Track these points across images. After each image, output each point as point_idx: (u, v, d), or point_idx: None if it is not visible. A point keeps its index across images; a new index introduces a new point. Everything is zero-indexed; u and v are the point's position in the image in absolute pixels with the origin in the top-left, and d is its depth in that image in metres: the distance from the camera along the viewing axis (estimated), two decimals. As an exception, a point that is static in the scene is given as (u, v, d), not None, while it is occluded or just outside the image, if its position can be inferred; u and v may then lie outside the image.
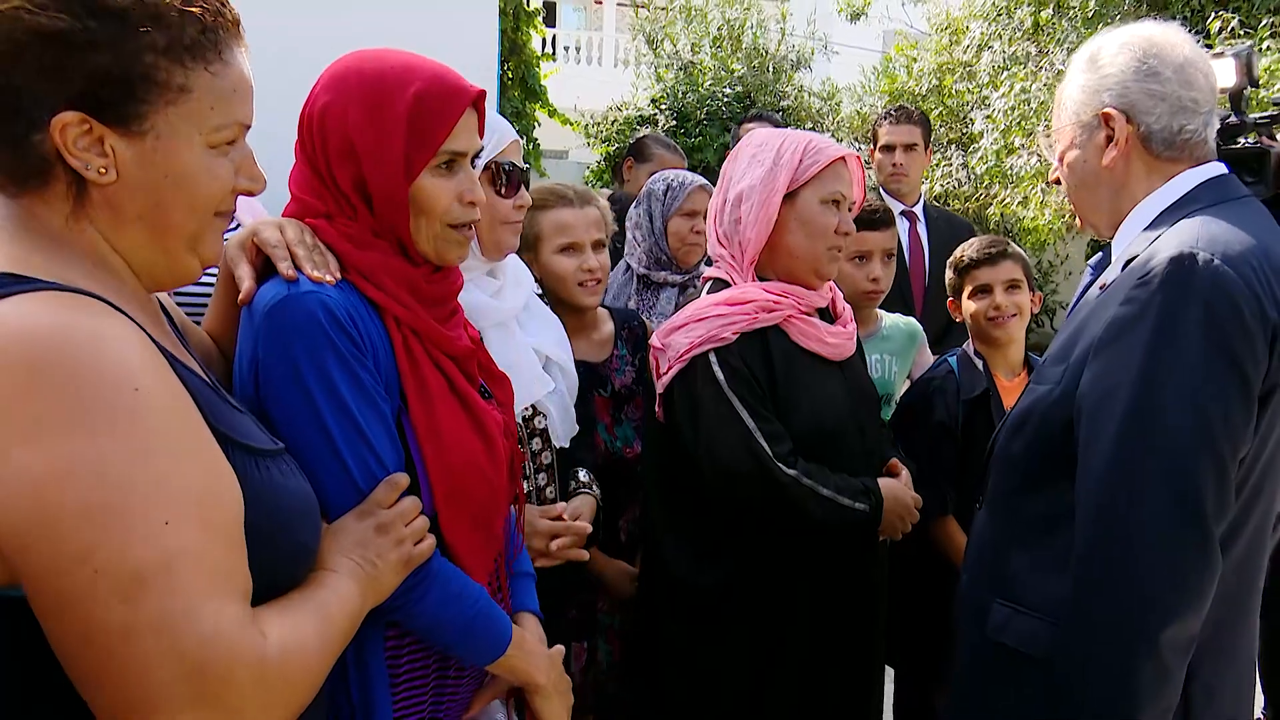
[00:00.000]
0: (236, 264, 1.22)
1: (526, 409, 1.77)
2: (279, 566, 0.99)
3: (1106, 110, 1.48)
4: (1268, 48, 6.22)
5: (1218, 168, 1.49)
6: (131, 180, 0.94)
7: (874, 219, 2.42)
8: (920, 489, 2.26)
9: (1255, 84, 2.33)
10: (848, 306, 2.11)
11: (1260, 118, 2.30)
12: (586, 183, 11.19)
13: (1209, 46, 7.18)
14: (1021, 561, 1.47)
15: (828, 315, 2.05)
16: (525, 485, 1.76)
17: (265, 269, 1.22)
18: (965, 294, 2.40)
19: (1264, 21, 6.67)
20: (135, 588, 0.80)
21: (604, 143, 10.68)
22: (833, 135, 11.74)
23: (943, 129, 10.76)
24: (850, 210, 1.97)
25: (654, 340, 1.93)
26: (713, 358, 1.83)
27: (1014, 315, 2.33)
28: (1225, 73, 2.32)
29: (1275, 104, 2.41)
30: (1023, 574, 1.46)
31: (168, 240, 0.99)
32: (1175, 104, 1.46)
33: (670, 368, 1.87)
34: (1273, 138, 2.27)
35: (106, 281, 0.95)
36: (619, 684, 2.09)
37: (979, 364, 2.32)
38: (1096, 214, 1.58)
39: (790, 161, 1.92)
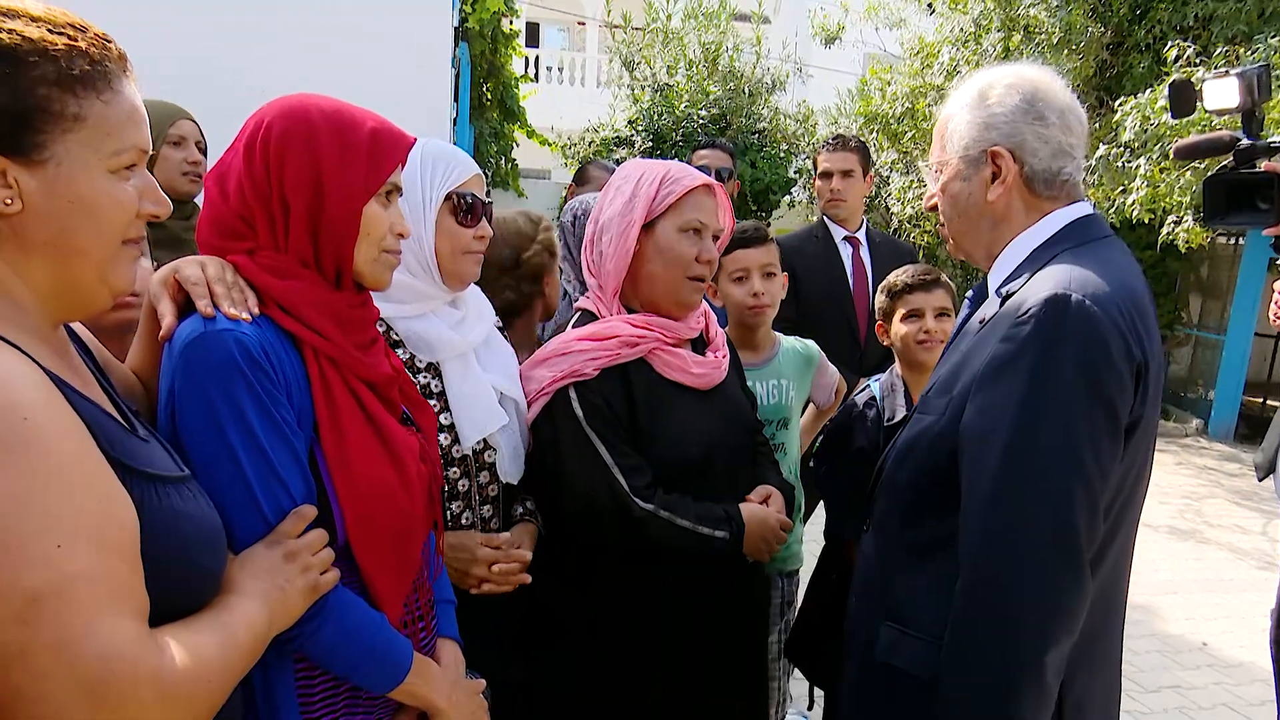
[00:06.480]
0: (159, 300, 1.27)
1: (478, 443, 1.79)
2: (179, 590, 1.02)
3: (996, 148, 1.53)
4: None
5: (1085, 207, 1.55)
6: (37, 209, 0.97)
7: (746, 238, 2.45)
8: (843, 512, 2.35)
9: (1259, 103, 2.23)
10: (720, 332, 2.12)
11: (1275, 142, 2.26)
12: (564, 202, 11.26)
13: (1165, 74, 7.29)
14: (908, 585, 1.51)
15: (701, 343, 2.06)
16: (470, 516, 1.79)
17: (188, 305, 1.26)
18: (897, 317, 2.45)
19: (1220, 49, 6.84)
20: (30, 610, 0.83)
21: (581, 163, 10.79)
22: (809, 157, 11.87)
23: (916, 151, 10.90)
24: (716, 240, 1.97)
25: (521, 371, 1.94)
26: (573, 393, 1.85)
27: (941, 341, 2.38)
28: (1228, 93, 2.22)
29: None
30: (910, 597, 1.50)
31: (75, 267, 1.02)
32: (1056, 147, 1.52)
33: (534, 401, 1.89)
34: None
35: (4, 313, 0.97)
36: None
37: (901, 389, 2.41)
38: (975, 245, 1.62)
39: (648, 193, 1.92)
